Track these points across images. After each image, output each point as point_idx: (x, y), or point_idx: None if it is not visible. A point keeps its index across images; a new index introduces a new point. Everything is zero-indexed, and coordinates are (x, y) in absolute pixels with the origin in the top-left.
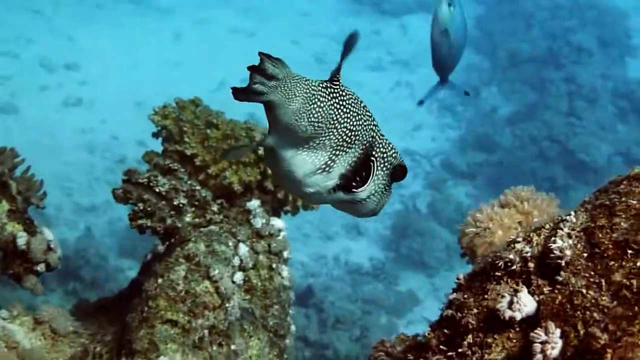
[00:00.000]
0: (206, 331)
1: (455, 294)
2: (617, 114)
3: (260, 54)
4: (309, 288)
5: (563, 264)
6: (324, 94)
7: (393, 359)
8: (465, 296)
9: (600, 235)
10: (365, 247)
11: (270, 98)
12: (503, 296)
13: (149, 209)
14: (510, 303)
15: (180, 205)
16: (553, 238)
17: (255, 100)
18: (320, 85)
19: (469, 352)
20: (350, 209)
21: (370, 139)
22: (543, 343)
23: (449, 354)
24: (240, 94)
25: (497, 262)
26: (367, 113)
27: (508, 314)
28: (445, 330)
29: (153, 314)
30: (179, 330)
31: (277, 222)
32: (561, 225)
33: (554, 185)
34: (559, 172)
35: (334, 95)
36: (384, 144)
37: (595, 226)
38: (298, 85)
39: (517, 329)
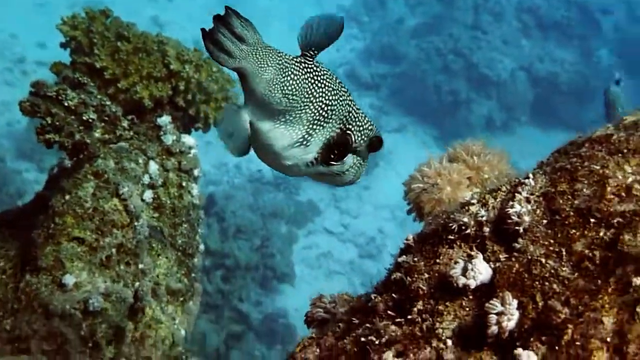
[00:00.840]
0: (114, 250)
1: (404, 256)
2: (521, 29)
3: (227, 7)
4: (210, 197)
5: (521, 230)
6: (298, 68)
7: (333, 318)
8: (415, 259)
9: (560, 201)
10: None
11: (242, 65)
12: (456, 262)
13: (57, 123)
14: (464, 270)
15: (90, 120)
16: (510, 202)
17: (227, 64)
18: (294, 59)
19: (419, 319)
20: (329, 180)
21: (347, 114)
22: (499, 314)
23: (397, 320)
24: (210, 43)
25: (450, 224)
26: (343, 88)
27: (462, 281)
28: (394, 295)
29: (59, 231)
30: (86, 248)
31: (188, 139)
32: (519, 188)
33: (457, 98)
34: (462, 85)
35: (308, 70)
36: (360, 117)
37: (555, 191)
38: (270, 55)
39: (471, 298)
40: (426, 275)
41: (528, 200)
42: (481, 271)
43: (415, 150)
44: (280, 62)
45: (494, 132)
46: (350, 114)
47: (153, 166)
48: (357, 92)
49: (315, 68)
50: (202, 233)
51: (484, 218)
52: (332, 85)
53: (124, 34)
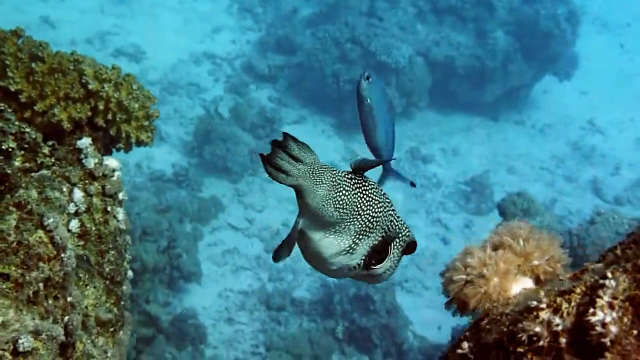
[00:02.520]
0: (41, 284)
1: None
2: (417, 14)
3: (284, 134)
4: None
5: (608, 343)
6: (349, 183)
7: None
8: None
9: None
10: (167, 154)
11: (299, 182)
12: None
13: None
14: None
15: (10, 149)
16: (591, 309)
17: (284, 182)
18: (346, 175)
19: None
20: (365, 280)
21: (389, 223)
22: None
23: None
24: (269, 166)
25: (518, 334)
26: (387, 200)
27: None
28: None
29: None
30: (12, 285)
31: (111, 162)
32: (599, 292)
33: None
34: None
35: (358, 185)
36: (399, 225)
37: None
38: (325, 173)
39: None
40: None
41: (611, 306)
42: None
43: (316, 141)
44: (333, 179)
45: (395, 118)
46: (392, 223)
47: (78, 194)
48: (254, 85)
49: (364, 183)
50: (129, 259)
51: (560, 327)
52: (378, 198)
53: (37, 54)
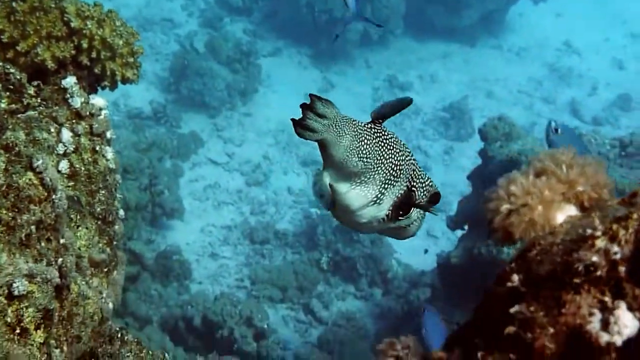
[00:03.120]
0: (33, 227)
1: (517, 306)
2: None
3: (311, 95)
4: None
5: None
6: (370, 133)
7: None
8: (532, 309)
9: None
10: (145, 90)
11: (323, 136)
12: (591, 313)
13: None
14: (605, 323)
15: None
16: None
17: (311, 138)
18: (366, 125)
19: None
20: (394, 234)
21: (412, 172)
22: None
23: None
24: (299, 127)
25: (574, 265)
26: (407, 150)
27: (604, 338)
28: (512, 356)
29: None
30: (3, 228)
31: (98, 100)
32: None
33: (331, 16)
34: (335, 3)
35: (378, 134)
36: (421, 175)
37: None
38: (347, 124)
39: (615, 358)
40: (551, 330)
41: None
42: (626, 324)
43: (293, 72)
44: (355, 130)
45: (371, 46)
46: (415, 173)
47: (66, 134)
48: (229, 18)
49: (383, 132)
50: (120, 198)
51: (618, 256)
52: (398, 147)
53: None
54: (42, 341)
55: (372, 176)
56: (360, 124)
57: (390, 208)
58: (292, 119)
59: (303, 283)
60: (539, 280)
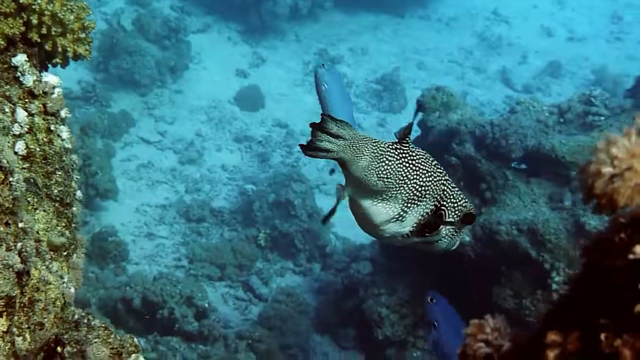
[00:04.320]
0: None
1: None
2: None
3: (322, 115)
4: None
5: None
6: (393, 154)
7: (497, 353)
8: None
9: None
10: (73, 70)
11: (340, 155)
12: None
13: None
14: None
15: None
16: None
17: (327, 157)
18: (390, 146)
19: None
20: (424, 248)
21: (441, 192)
22: None
23: None
24: (308, 149)
25: None
26: (438, 169)
27: None
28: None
29: None
30: None
31: (51, 78)
32: None
33: None
34: None
35: (403, 154)
36: (454, 194)
37: None
38: (366, 145)
39: None
40: None
41: None
42: None
43: (223, 48)
44: (375, 150)
45: (301, 20)
46: (445, 192)
47: (21, 114)
48: None
49: (410, 152)
50: (77, 179)
51: None
52: (426, 167)
53: None
54: (5, 329)
55: (394, 195)
56: (382, 144)
57: (414, 225)
58: (300, 145)
59: (241, 260)
60: None
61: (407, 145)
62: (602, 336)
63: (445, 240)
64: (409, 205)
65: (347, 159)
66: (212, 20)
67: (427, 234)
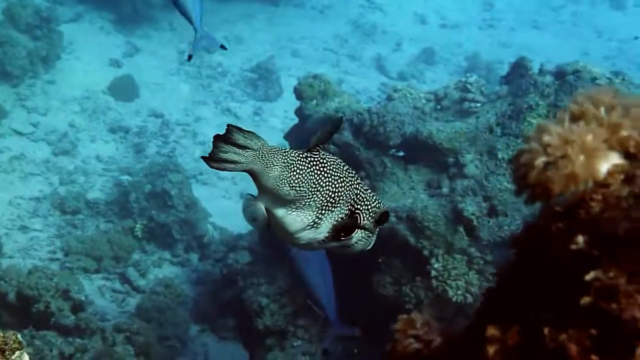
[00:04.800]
0: None
1: (592, 272)
2: None
3: (228, 126)
4: None
5: None
6: (304, 162)
7: (427, 348)
8: (612, 275)
9: None
10: None
11: (250, 167)
12: None
13: None
14: None
15: None
16: None
17: (235, 169)
18: (300, 154)
19: None
20: (342, 251)
21: (354, 196)
22: None
23: None
24: (211, 161)
25: None
26: (350, 174)
27: None
28: (593, 332)
29: None
30: None
31: None
32: None
33: None
34: None
35: (314, 162)
36: (367, 197)
37: None
38: (276, 155)
39: None
40: None
41: None
42: None
43: (96, 38)
44: (285, 160)
45: (174, 9)
46: (358, 196)
47: None
48: None
49: (320, 160)
50: None
51: None
52: (338, 173)
53: None
54: None
55: (307, 203)
56: (291, 153)
57: (329, 231)
58: (202, 157)
59: (118, 252)
60: (614, 240)
61: (318, 152)
62: (546, 331)
63: (361, 242)
64: (323, 211)
65: (257, 170)
66: (83, 10)
67: (342, 238)
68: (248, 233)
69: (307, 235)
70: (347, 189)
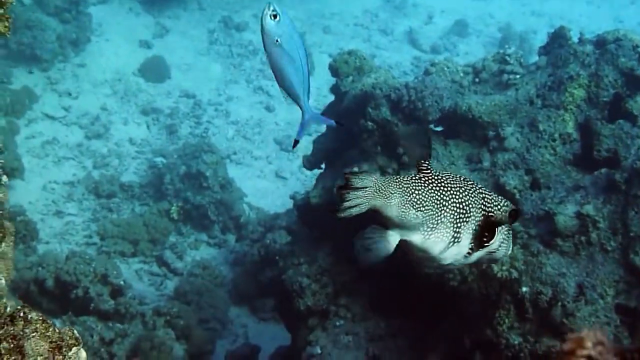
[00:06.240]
0: None
1: None
2: None
3: (345, 173)
4: None
5: None
6: (419, 183)
7: None
8: None
9: None
10: None
11: (372, 204)
12: None
13: None
14: None
15: None
16: None
17: (360, 211)
18: (412, 177)
19: None
20: (487, 260)
21: (482, 201)
22: None
23: None
24: (341, 213)
25: None
26: (469, 182)
27: None
28: None
29: None
30: None
31: None
32: None
33: None
34: None
35: (429, 180)
36: (494, 198)
37: None
38: (390, 184)
39: None
40: None
41: None
42: None
43: (125, 20)
44: (401, 186)
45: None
46: (485, 200)
47: None
48: None
49: (434, 177)
50: (1, 163)
51: None
52: (457, 184)
53: None
54: None
55: (439, 220)
56: (405, 178)
57: (471, 242)
58: (329, 211)
59: (154, 235)
60: None
61: (428, 170)
62: None
63: (504, 244)
64: (459, 224)
65: (379, 205)
66: None
67: (486, 244)
68: (285, 212)
69: (452, 252)
70: (473, 196)
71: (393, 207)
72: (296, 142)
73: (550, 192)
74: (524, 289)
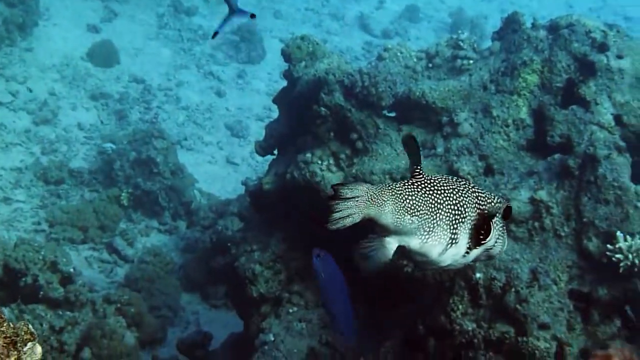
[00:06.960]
0: None
1: None
2: None
3: (333, 186)
4: None
5: None
6: (411, 188)
7: None
8: None
9: None
10: None
11: (366, 212)
12: None
13: None
14: None
15: None
16: None
17: (353, 221)
18: (404, 183)
19: None
20: (485, 257)
21: (476, 199)
22: None
23: None
24: (331, 224)
25: None
26: (462, 184)
27: None
28: None
29: None
30: None
31: None
32: None
33: None
34: None
35: (421, 184)
36: (487, 196)
37: None
38: (383, 192)
39: None
40: None
41: None
42: None
43: (73, 4)
44: (393, 192)
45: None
46: (479, 198)
47: None
48: None
49: (426, 181)
50: None
51: None
52: (450, 185)
53: None
54: None
55: (435, 223)
56: (397, 185)
57: (469, 241)
58: (324, 225)
59: (104, 221)
60: None
61: (420, 175)
62: None
63: (500, 240)
64: (455, 225)
65: (373, 213)
66: None
67: (483, 242)
68: (236, 198)
69: (450, 254)
70: (466, 196)
71: (387, 214)
72: (215, 33)
73: (503, 177)
74: (478, 275)
